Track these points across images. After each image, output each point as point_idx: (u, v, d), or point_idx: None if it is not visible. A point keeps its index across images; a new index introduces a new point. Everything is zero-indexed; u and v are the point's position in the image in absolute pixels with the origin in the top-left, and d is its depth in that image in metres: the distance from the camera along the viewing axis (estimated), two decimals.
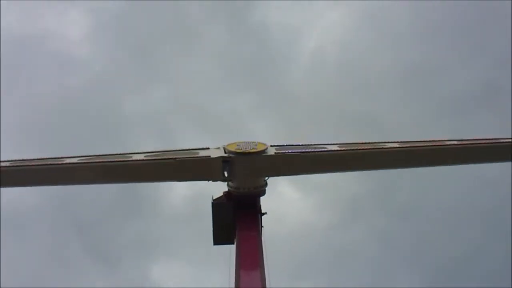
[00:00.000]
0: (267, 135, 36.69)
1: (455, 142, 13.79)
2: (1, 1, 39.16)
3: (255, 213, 14.04)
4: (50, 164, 12.49)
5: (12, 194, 37.28)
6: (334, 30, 44.70)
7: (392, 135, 39.56)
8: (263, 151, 13.34)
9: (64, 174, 12.68)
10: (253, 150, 13.27)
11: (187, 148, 13.77)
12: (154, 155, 13.18)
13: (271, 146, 13.60)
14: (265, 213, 14.22)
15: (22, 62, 41.76)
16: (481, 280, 32.53)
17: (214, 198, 14.28)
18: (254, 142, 13.65)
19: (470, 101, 39.36)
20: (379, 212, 36.94)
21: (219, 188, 14.53)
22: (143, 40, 44.35)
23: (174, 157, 13.06)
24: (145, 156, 13.12)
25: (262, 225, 14.07)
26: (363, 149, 13.66)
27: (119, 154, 13.24)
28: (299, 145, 13.83)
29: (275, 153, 13.35)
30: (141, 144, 38.81)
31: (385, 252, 35.19)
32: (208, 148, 13.83)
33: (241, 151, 13.27)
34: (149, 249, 37.58)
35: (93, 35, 44.42)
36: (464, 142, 13.80)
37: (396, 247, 35.51)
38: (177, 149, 13.73)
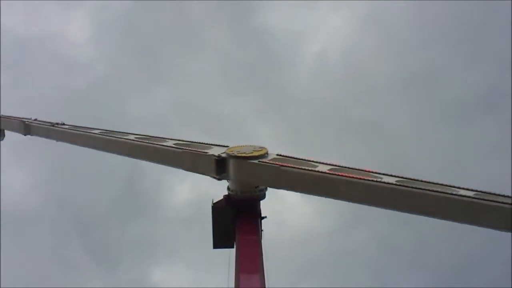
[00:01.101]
0: (269, 139, 36.66)
1: (472, 194, 9.98)
2: (6, 2, 39.26)
3: (255, 217, 14.01)
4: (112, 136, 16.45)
5: (13, 195, 37.33)
6: (337, 35, 44.71)
7: (394, 140, 39.49)
8: (253, 157, 13.08)
9: (113, 145, 16.42)
10: (242, 154, 13.26)
11: (208, 143, 14.52)
12: (177, 144, 14.71)
13: (277, 155, 13.31)
14: (265, 217, 14.18)
15: (26, 64, 41.85)
16: (482, 285, 32.48)
17: (214, 201, 14.29)
18: (257, 148, 13.60)
19: (472, 106, 39.32)
20: (381, 217, 36.85)
21: (219, 192, 14.60)
22: (146, 42, 44.39)
23: (179, 147, 14.47)
24: (173, 144, 14.75)
25: (262, 229, 14.04)
26: (351, 177, 11.45)
27: (160, 137, 15.42)
28: (299, 159, 12.84)
29: (259, 161, 12.94)
30: None
31: (387, 257, 35.11)
32: (227, 146, 14.03)
33: (232, 153, 13.35)
34: (149, 251, 37.57)
35: (96, 37, 44.48)
36: (484, 197, 9.78)
37: (398, 252, 35.43)
38: (199, 142, 14.68)
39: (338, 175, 11.59)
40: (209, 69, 41.53)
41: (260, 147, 13.55)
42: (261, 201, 14.21)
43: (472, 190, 10.11)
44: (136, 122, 39.72)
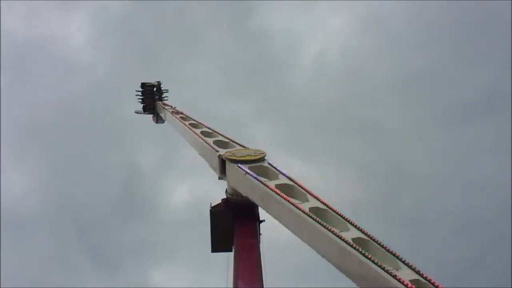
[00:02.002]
0: (270, 139, 36.65)
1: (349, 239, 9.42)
2: (5, 2, 39.30)
3: (254, 221, 13.95)
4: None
5: (13, 196, 37.34)
6: (337, 35, 44.71)
7: (394, 140, 39.43)
8: (237, 161, 13.19)
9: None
10: (231, 157, 13.38)
11: (235, 140, 15.24)
12: (218, 140, 15.42)
13: (268, 163, 13.32)
14: (263, 220, 14.14)
15: (26, 66, 41.86)
16: (483, 285, 32.45)
17: (212, 205, 14.27)
18: (256, 152, 13.69)
19: (472, 106, 39.30)
20: (379, 218, 36.85)
21: (217, 193, 14.63)
22: (146, 43, 44.38)
23: (204, 139, 15.63)
24: (215, 140, 15.50)
25: (260, 232, 14.00)
26: (282, 196, 11.30)
27: (218, 132, 16.27)
28: (281, 172, 12.70)
29: (237, 165, 13.09)
30: (142, 147, 38.75)
31: None
32: (246, 148, 14.45)
33: (229, 154, 13.62)
34: (149, 253, 37.57)
35: (95, 38, 44.47)
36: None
37: (397, 252, 35.37)
38: (230, 139, 15.42)
39: (276, 192, 11.46)
40: (209, 70, 41.64)
41: (260, 152, 13.57)
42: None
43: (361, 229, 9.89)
44: (135, 123, 39.72)
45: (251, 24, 44.40)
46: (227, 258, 13.51)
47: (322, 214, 10.44)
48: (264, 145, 14.21)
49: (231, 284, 12.32)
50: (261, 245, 13.47)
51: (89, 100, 40.08)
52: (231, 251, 13.60)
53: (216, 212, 14.08)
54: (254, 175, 12.34)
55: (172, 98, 24.63)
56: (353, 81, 41.60)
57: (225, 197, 14.29)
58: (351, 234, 9.70)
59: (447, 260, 33.77)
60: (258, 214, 14.16)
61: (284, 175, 12.30)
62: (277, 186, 11.70)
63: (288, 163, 37.91)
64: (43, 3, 42.97)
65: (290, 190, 11.62)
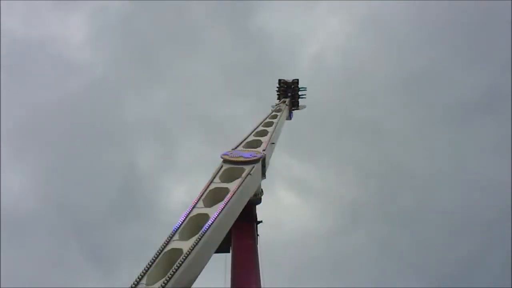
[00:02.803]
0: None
1: None
2: (5, 3, 39.29)
3: (251, 222, 13.96)
4: None
5: (13, 196, 37.34)
6: (337, 36, 44.67)
7: (394, 140, 39.41)
8: (228, 161, 13.32)
9: None
10: (225, 157, 13.48)
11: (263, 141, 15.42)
12: (246, 142, 15.45)
13: (252, 167, 13.48)
14: (261, 221, 14.12)
15: (24, 66, 41.83)
16: (483, 285, 32.46)
17: None
18: (252, 157, 13.74)
19: (472, 106, 39.26)
20: (379, 218, 36.85)
21: None
22: (145, 43, 44.35)
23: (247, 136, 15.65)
24: (254, 138, 15.67)
25: (258, 233, 13.98)
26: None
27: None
28: (244, 177, 13.12)
29: (222, 164, 13.31)
30: (142, 147, 38.74)
31: (386, 259, 35.08)
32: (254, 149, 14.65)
33: (224, 153, 13.70)
34: (147, 253, 37.57)
35: (95, 39, 44.45)
36: None
37: (397, 253, 35.39)
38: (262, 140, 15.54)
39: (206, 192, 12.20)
40: (209, 70, 41.62)
41: (254, 155, 13.63)
42: (257, 206, 14.20)
43: None
44: (134, 124, 39.72)
45: (251, 24, 44.37)
46: (224, 260, 13.50)
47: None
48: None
49: (229, 286, 12.31)
50: (258, 246, 13.48)
51: (89, 100, 40.05)
52: (229, 252, 13.58)
53: None
54: (220, 175, 12.69)
55: (171, 98, 24.51)
56: (352, 81, 41.56)
57: None
58: (176, 244, 10.44)
59: (447, 260, 33.76)
60: (255, 215, 14.17)
61: (243, 180, 12.62)
62: (214, 188, 12.31)
63: (288, 164, 37.89)
64: (43, 3, 42.97)
65: (222, 192, 12.10)
